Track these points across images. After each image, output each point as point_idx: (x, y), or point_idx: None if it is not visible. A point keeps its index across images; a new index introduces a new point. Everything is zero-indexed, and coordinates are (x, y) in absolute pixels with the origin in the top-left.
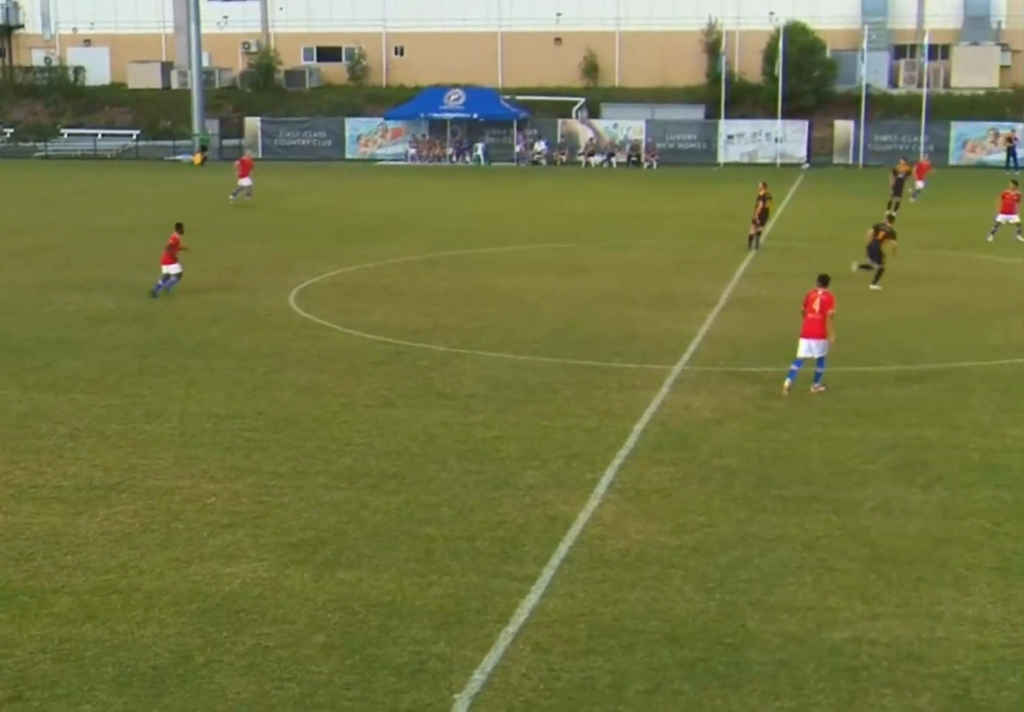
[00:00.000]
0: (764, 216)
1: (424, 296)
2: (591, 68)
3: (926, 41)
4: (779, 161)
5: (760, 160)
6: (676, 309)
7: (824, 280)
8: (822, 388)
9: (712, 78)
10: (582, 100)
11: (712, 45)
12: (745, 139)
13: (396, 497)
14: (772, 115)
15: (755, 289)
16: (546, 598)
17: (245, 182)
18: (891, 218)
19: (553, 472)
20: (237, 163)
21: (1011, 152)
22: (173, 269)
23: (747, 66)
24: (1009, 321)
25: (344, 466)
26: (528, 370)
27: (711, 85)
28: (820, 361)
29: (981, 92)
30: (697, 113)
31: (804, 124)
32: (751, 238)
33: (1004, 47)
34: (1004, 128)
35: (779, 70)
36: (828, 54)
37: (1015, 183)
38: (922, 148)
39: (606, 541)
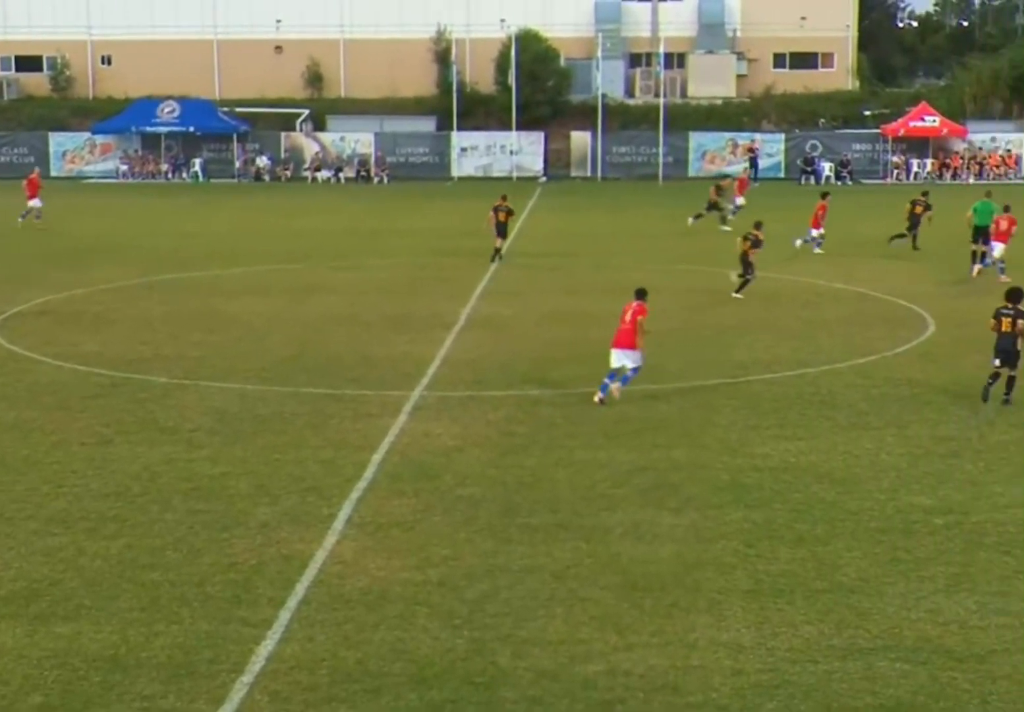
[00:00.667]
0: (503, 229)
1: (141, 323)
2: (315, 78)
3: (661, 50)
4: (515, 174)
5: (495, 173)
6: (413, 331)
7: (640, 293)
8: (623, 388)
9: (443, 88)
10: (306, 112)
11: (442, 54)
12: (479, 152)
13: (116, 541)
14: (507, 126)
15: (495, 308)
16: (284, 644)
17: (35, 203)
18: (758, 225)
19: (287, 508)
20: (25, 182)
21: (753, 163)
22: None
23: (479, 75)
24: (755, 337)
25: (58, 509)
26: (257, 400)
27: (442, 95)
28: (634, 370)
29: (718, 101)
30: (428, 125)
31: (540, 135)
32: (496, 252)
33: (740, 56)
34: (743, 138)
35: (512, 79)
36: (562, 63)
37: (824, 196)
38: (661, 159)
39: (346, 579)
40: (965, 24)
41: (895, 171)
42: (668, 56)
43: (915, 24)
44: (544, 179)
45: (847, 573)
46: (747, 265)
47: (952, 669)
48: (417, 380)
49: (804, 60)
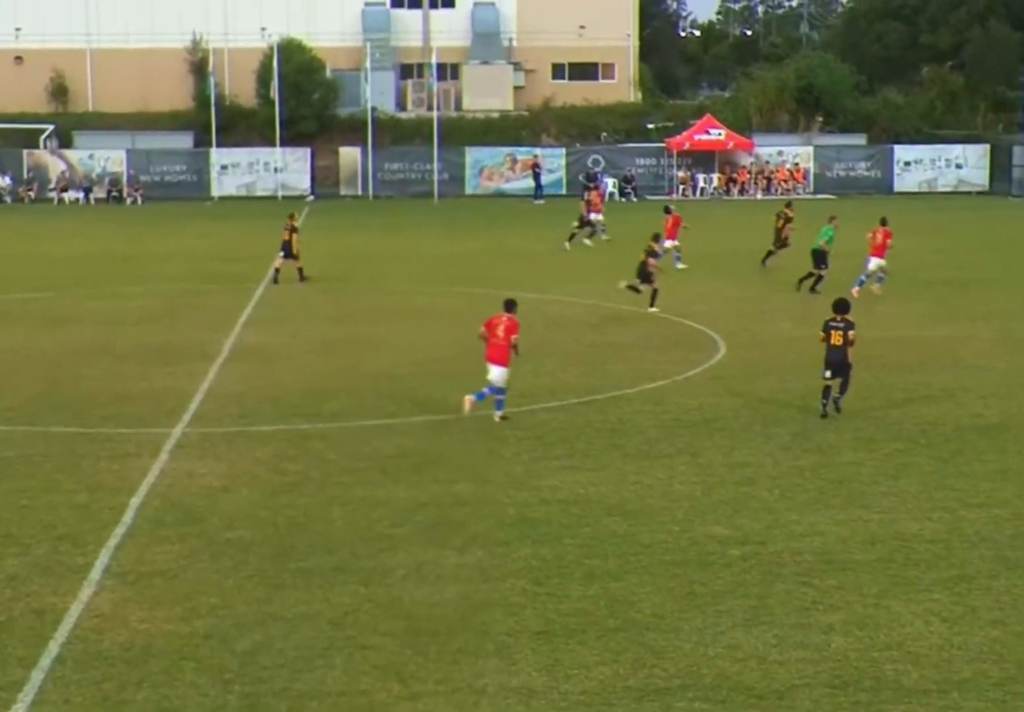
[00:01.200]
0: (287, 248)
1: None
2: (60, 91)
3: (434, 60)
4: (281, 193)
5: (259, 192)
6: (174, 363)
7: (509, 305)
8: (477, 403)
9: (200, 101)
10: (50, 127)
11: (198, 64)
12: (241, 169)
13: None
14: (270, 142)
15: (262, 336)
16: (37, 707)
17: None
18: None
19: (37, 558)
20: None
21: (536, 179)
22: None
23: (240, 88)
24: (540, 362)
25: None
26: (1, 442)
27: (200, 109)
28: (493, 389)
29: (495, 115)
30: (185, 141)
31: (306, 152)
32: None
33: (517, 66)
34: (522, 153)
35: (275, 92)
36: (328, 74)
37: (667, 210)
38: (436, 176)
39: (104, 634)
40: (749, 33)
41: (681, 187)
42: (441, 67)
43: (698, 33)
44: (312, 198)
45: (641, 609)
46: (647, 276)
47: (752, 707)
48: (178, 416)
49: (584, 71)
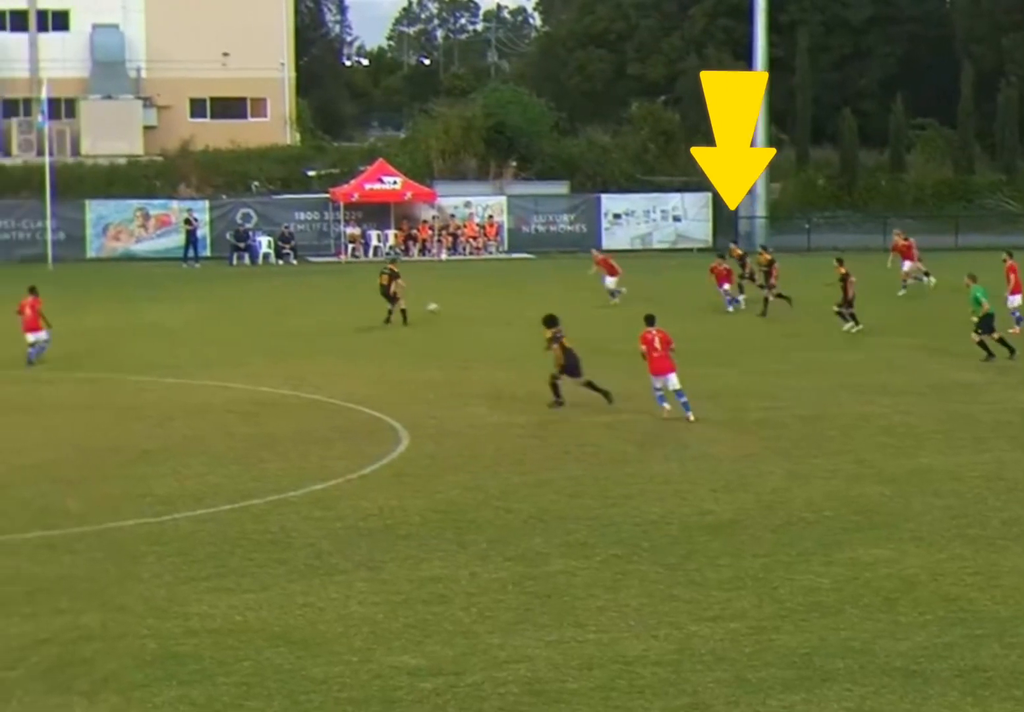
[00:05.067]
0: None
1: None
2: None
3: (44, 94)
4: None
5: None
6: None
7: (651, 319)
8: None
9: None
10: None
11: None
12: None
13: None
14: None
15: None
16: None
17: None
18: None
19: None
20: None
21: (192, 239)
22: (42, 335)
23: None
24: (181, 462)
25: None
26: None
27: None
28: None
29: (122, 160)
30: None
31: None
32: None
33: (147, 102)
34: (156, 207)
35: None
36: None
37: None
38: (50, 236)
39: None
40: (427, 62)
41: (350, 246)
42: (54, 103)
43: (366, 62)
44: None
45: None
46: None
47: None
48: None
49: (229, 107)
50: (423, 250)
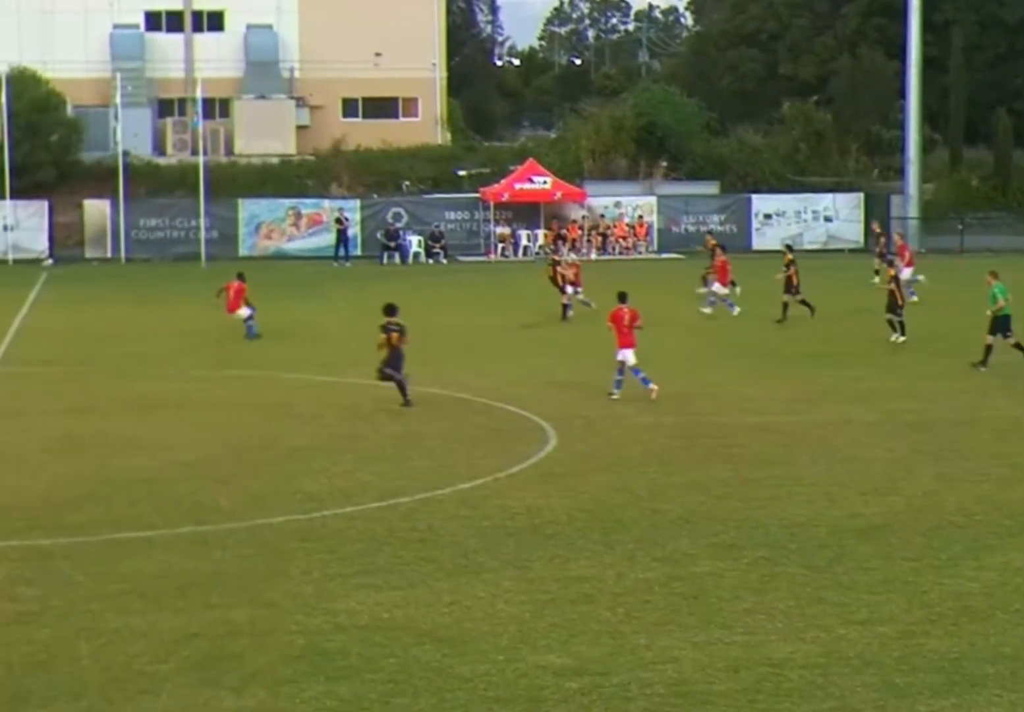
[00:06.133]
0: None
1: None
2: None
3: (199, 94)
4: (11, 256)
5: None
6: None
7: (623, 297)
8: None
9: None
10: None
11: None
12: None
13: None
14: None
15: None
16: None
17: None
18: None
19: None
20: None
21: (342, 238)
22: (244, 311)
23: None
24: (331, 460)
25: None
26: None
27: None
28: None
29: (274, 160)
30: None
31: (42, 205)
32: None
33: (300, 101)
34: (308, 206)
35: (3, 134)
36: (70, 112)
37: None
38: (203, 235)
39: None
40: (578, 62)
41: (500, 245)
42: (208, 102)
43: (517, 62)
44: (50, 262)
45: None
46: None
47: None
48: None
49: (381, 107)
50: (572, 250)
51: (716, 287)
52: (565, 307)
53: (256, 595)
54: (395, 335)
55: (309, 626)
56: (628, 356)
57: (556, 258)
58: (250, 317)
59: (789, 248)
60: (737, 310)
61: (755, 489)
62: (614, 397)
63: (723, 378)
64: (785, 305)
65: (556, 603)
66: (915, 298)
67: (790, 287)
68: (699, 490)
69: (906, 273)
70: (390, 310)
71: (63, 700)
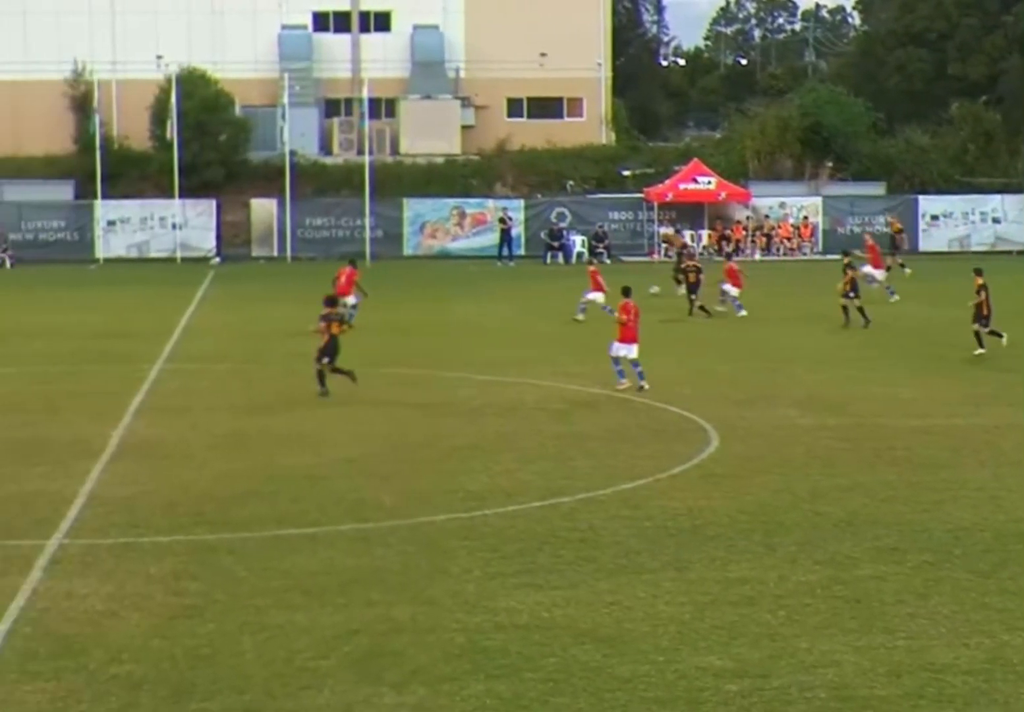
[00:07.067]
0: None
1: None
2: None
3: (365, 94)
4: (180, 254)
5: (154, 254)
6: (49, 462)
7: (627, 291)
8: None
9: (83, 144)
10: None
11: (81, 99)
12: (132, 226)
13: None
14: (167, 193)
15: (156, 429)
16: None
17: None
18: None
19: None
20: None
21: (506, 238)
22: (350, 300)
23: (130, 128)
24: (492, 459)
25: None
26: None
27: (82, 153)
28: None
29: (439, 160)
30: (64, 192)
31: (211, 204)
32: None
33: (465, 101)
34: (472, 206)
35: (173, 133)
36: (238, 111)
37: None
38: (368, 234)
39: None
40: (744, 62)
41: (663, 246)
42: (374, 102)
43: (683, 62)
44: (217, 260)
45: None
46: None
47: None
48: (55, 525)
49: (546, 107)
50: (736, 250)
51: (728, 287)
52: (700, 306)
53: (417, 593)
54: (335, 324)
55: (469, 624)
56: (632, 350)
57: (697, 264)
58: (354, 305)
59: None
60: (744, 312)
61: (919, 492)
62: (622, 386)
63: (884, 380)
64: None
65: (717, 604)
66: (896, 298)
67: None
68: (862, 493)
69: (878, 274)
70: (330, 301)
71: (226, 694)
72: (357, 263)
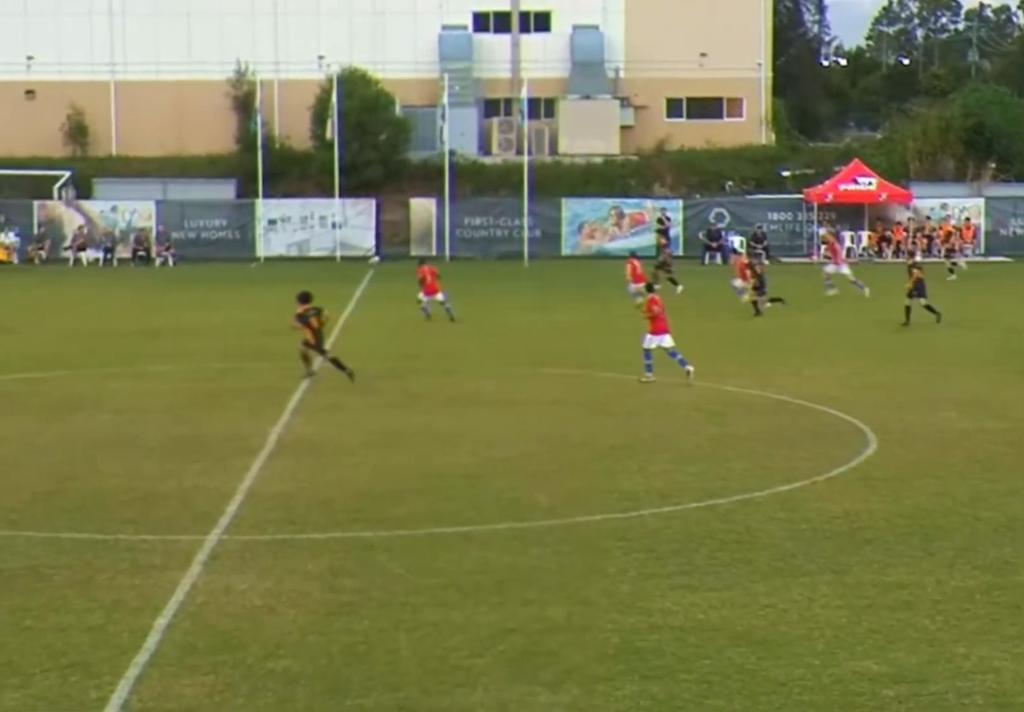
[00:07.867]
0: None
1: None
2: (78, 130)
3: (524, 94)
4: (340, 253)
5: (314, 252)
6: (208, 458)
7: (650, 287)
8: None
9: (245, 144)
10: (67, 174)
11: (243, 99)
12: (292, 225)
13: None
14: (328, 192)
15: (315, 427)
16: None
17: None
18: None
19: (42, 691)
20: None
21: (666, 237)
22: (439, 296)
23: (292, 127)
24: (648, 459)
25: None
26: (2, 551)
27: (244, 153)
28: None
29: (598, 160)
30: (226, 190)
31: (370, 204)
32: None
33: (624, 102)
34: (631, 206)
35: (334, 133)
36: (398, 111)
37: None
38: (526, 234)
39: None
40: (906, 62)
41: (822, 247)
42: (533, 102)
43: (844, 62)
44: (377, 259)
45: None
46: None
47: None
48: (213, 521)
49: (705, 107)
50: (897, 252)
51: (737, 282)
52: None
53: (573, 592)
54: (314, 319)
55: (624, 625)
56: (666, 340)
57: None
58: (443, 301)
59: None
60: (746, 297)
61: None
62: (647, 379)
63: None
64: None
65: (874, 609)
66: (833, 292)
67: None
68: (1022, 498)
69: (843, 270)
70: (305, 298)
71: (381, 690)
72: (428, 261)
